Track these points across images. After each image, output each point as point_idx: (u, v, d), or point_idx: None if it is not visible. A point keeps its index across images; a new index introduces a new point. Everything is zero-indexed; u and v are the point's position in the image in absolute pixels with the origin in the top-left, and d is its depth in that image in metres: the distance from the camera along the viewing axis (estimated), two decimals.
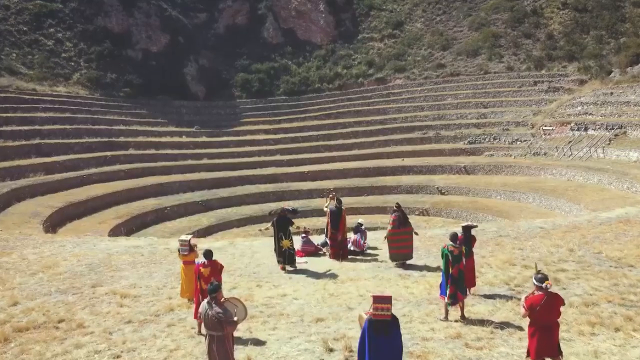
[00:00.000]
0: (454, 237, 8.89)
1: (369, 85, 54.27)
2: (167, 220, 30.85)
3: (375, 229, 31.81)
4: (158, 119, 47.11)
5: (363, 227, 14.57)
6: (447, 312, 8.88)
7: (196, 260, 9.28)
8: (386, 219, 33.60)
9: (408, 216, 12.91)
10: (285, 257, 12.18)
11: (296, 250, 13.24)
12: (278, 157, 43.86)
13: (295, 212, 12.85)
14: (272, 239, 12.69)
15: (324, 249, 13.92)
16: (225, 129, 48.67)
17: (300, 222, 33.15)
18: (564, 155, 34.54)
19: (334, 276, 11.73)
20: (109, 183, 33.22)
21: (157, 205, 31.91)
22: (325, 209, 13.69)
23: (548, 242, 13.65)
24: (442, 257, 8.94)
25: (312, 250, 13.98)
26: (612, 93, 37.07)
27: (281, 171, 41.00)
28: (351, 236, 14.09)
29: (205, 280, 8.43)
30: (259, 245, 15.07)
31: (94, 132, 39.12)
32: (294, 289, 10.77)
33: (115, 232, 25.82)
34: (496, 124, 42.13)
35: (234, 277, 11.75)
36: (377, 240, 14.54)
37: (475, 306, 9.42)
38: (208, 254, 8.68)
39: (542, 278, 6.55)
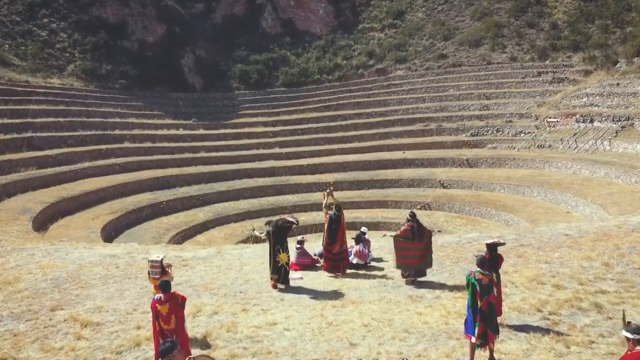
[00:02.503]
0: (481, 261, 7.39)
1: (369, 77, 53.35)
2: (162, 216, 30.06)
3: (375, 225, 31.30)
4: (154, 111, 46.21)
5: (366, 235, 12.75)
6: (472, 354, 7.29)
7: (154, 295, 7.66)
8: (387, 214, 33.20)
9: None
10: (280, 275, 10.43)
11: (290, 262, 11.33)
12: (277, 150, 43.05)
13: (297, 224, 10.81)
14: (267, 250, 10.88)
15: (322, 260, 11.97)
16: (223, 122, 47.81)
17: (298, 217, 32.97)
18: (569, 147, 33.77)
19: (333, 297, 10.07)
20: (103, 177, 32.37)
21: (152, 200, 31.11)
22: (324, 209, 11.93)
23: (578, 254, 11.95)
24: (468, 287, 7.33)
25: (308, 263, 12.13)
26: (618, 84, 36.24)
27: (280, 164, 40.22)
28: (352, 246, 12.17)
29: (164, 319, 6.96)
30: (249, 255, 13.44)
31: (88, 125, 38.24)
32: (286, 314, 9.14)
33: (108, 228, 25.12)
34: (499, 115, 41.32)
35: (217, 298, 10.18)
36: (383, 249, 12.86)
37: (505, 343, 7.81)
38: (164, 286, 7.13)
39: (638, 328, 5.17)
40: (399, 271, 10.84)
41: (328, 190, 12.17)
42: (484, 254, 8.00)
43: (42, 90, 39.69)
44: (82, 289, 10.93)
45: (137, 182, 33.11)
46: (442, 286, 10.35)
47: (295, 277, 11.15)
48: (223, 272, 11.87)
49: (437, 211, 31.85)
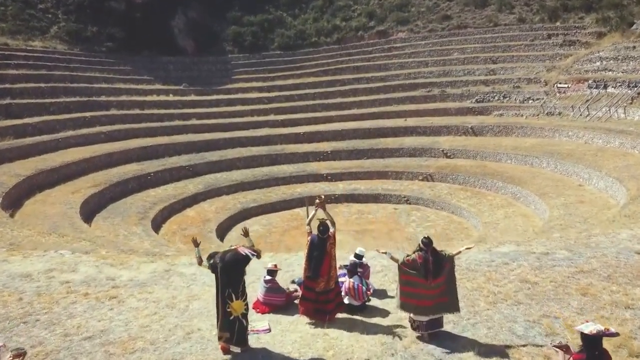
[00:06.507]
0: None
1: (369, 39, 50.83)
2: (150, 188, 28.47)
3: (375, 197, 29.74)
4: (143, 76, 43.94)
5: (364, 259, 8.86)
6: None
7: None
8: (387, 185, 31.53)
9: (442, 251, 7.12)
10: (234, 332, 6.63)
11: (256, 299, 8.18)
12: (272, 117, 41.08)
13: (258, 257, 6.85)
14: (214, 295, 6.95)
15: (300, 293, 8.08)
16: (216, 87, 45.58)
17: (292, 189, 31.23)
18: (581, 115, 31.90)
19: None
20: (87, 147, 30.57)
21: (139, 171, 29.44)
22: (307, 227, 7.81)
23: None
24: None
25: (280, 303, 8.25)
26: (634, 47, 34.00)
27: (275, 132, 38.35)
28: (344, 274, 8.31)
29: None
30: (204, 279, 9.60)
31: (72, 91, 36.10)
32: None
33: (89, 202, 23.54)
34: (506, 80, 39.20)
35: None
36: (387, 273, 9.21)
37: None
38: None
39: None
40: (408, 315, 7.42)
41: (318, 202, 7.88)
42: (571, 349, 5.09)
43: (23, 54, 37.38)
44: None
45: (124, 151, 31.35)
46: (482, 352, 6.54)
47: (260, 329, 7.54)
48: (160, 312, 8.32)
49: (440, 182, 30.33)
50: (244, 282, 6.70)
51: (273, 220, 27.33)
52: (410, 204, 28.68)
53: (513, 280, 8.87)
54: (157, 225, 24.12)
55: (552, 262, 9.73)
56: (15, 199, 21.21)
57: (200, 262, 6.79)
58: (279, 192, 30.58)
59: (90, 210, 23.19)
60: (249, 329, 7.00)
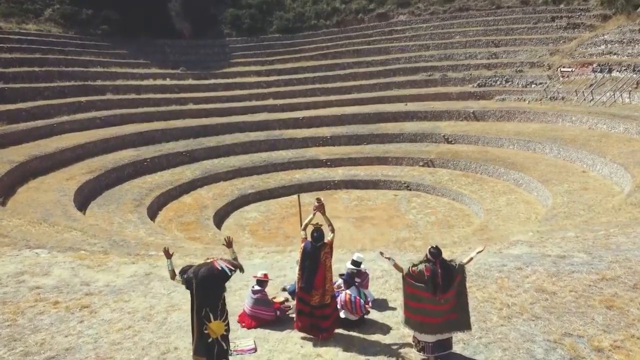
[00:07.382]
0: None
1: (369, 22, 50.04)
2: (146, 174, 28.00)
3: (375, 184, 29.33)
4: (139, 59, 43.23)
5: (363, 267, 7.94)
6: None
7: None
8: (387, 171, 31.09)
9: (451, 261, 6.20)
10: (213, 356, 5.70)
11: (242, 311, 7.46)
12: (270, 102, 40.49)
13: (241, 271, 5.91)
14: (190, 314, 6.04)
15: (292, 305, 7.45)
16: (213, 71, 44.90)
17: (291, 175, 30.81)
18: (585, 100, 31.33)
19: None
20: (82, 132, 30.05)
21: (135, 157, 28.96)
22: (302, 233, 7.03)
23: None
24: None
25: (269, 317, 7.38)
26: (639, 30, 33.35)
27: (273, 117, 37.78)
28: (340, 284, 7.65)
29: None
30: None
31: (67, 75, 35.48)
32: None
33: (84, 189, 23.12)
34: (509, 64, 38.55)
35: None
36: (388, 280, 8.59)
37: None
38: None
39: None
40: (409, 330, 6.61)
41: (316, 205, 7.04)
42: None
43: (16, 37, 36.62)
44: None
45: (120, 137, 30.82)
46: None
47: (244, 348, 6.68)
48: (135, 326, 7.45)
49: (441, 168, 29.85)
50: (224, 300, 5.81)
51: (271, 206, 26.92)
52: (410, 190, 28.27)
53: (528, 290, 7.97)
54: (153, 212, 23.71)
55: (570, 267, 8.78)
56: (8, 186, 20.77)
57: (173, 276, 5.97)
58: (277, 178, 30.13)
59: (84, 197, 22.77)
60: (232, 348, 6.19)
